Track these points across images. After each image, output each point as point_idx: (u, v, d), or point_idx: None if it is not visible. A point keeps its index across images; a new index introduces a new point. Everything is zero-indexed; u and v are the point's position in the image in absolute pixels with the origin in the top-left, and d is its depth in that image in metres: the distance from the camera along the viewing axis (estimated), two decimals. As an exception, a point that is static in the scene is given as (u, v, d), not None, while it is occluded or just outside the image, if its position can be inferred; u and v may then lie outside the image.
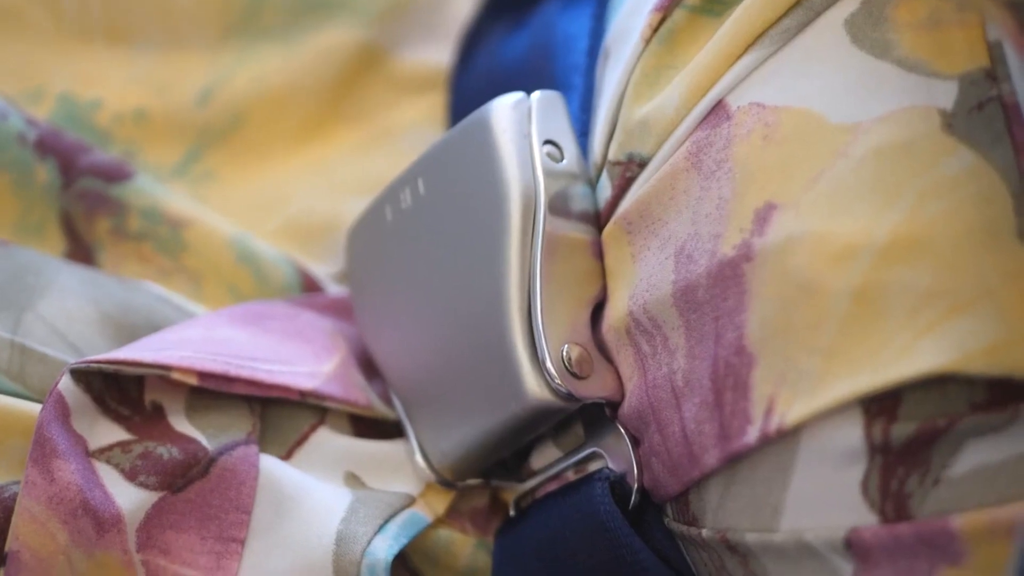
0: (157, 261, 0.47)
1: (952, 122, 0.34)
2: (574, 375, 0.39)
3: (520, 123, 0.41)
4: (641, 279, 0.39)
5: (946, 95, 0.34)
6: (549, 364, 0.39)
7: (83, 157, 0.48)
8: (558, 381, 0.39)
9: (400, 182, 0.44)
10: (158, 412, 0.41)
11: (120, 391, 0.41)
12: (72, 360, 0.41)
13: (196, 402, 0.42)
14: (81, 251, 0.47)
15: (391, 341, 0.44)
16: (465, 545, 0.42)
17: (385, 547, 0.40)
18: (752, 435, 0.35)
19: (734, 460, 0.35)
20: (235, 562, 0.39)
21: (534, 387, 0.39)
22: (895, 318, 0.33)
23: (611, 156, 0.40)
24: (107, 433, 0.40)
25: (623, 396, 0.40)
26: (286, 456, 0.42)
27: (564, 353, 0.39)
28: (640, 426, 0.39)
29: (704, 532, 0.37)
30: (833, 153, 0.35)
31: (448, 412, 0.41)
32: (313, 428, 0.43)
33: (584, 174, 0.41)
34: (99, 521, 0.39)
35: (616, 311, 0.40)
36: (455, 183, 0.41)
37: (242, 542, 0.40)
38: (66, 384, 0.40)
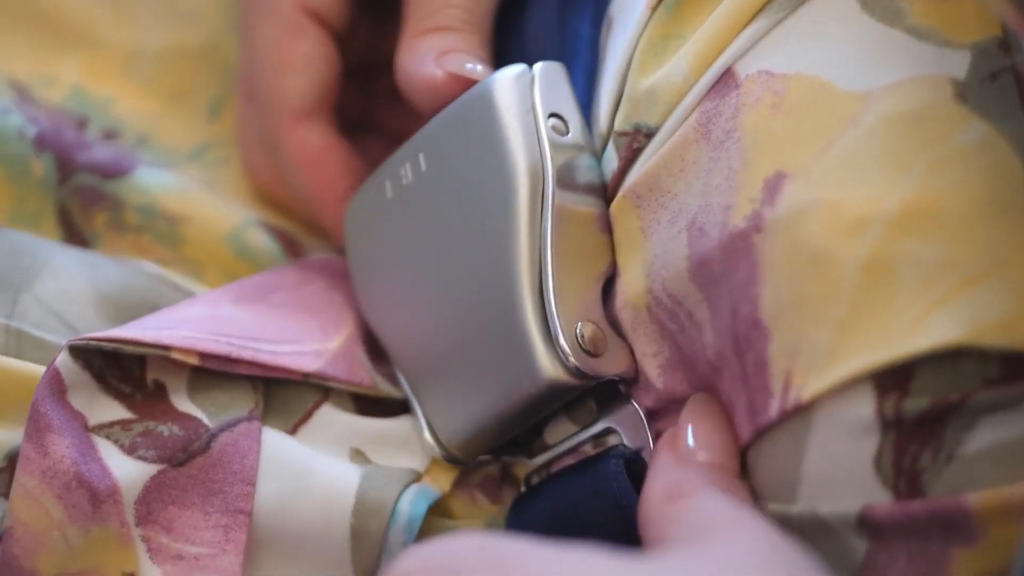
0: (156, 252, 0.47)
1: (964, 92, 0.34)
2: (588, 353, 0.39)
3: (523, 97, 0.40)
4: (656, 255, 0.38)
5: (958, 64, 0.34)
6: (563, 342, 0.38)
7: (81, 153, 0.47)
8: (572, 360, 0.38)
9: (400, 157, 0.43)
10: (160, 390, 0.41)
11: (121, 369, 0.41)
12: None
13: (198, 380, 0.41)
14: (78, 242, 0.47)
15: (395, 319, 0.43)
16: (476, 523, 0.42)
17: (408, 507, 0.40)
18: (773, 410, 0.34)
19: (760, 435, 0.35)
20: (243, 534, 0.39)
21: (548, 366, 0.38)
22: (907, 290, 0.32)
23: (617, 127, 0.40)
24: (107, 410, 0.40)
25: (636, 373, 0.39)
26: (291, 432, 0.42)
27: (577, 331, 0.39)
28: (674, 406, 0.38)
29: None
30: (844, 121, 0.34)
31: (458, 390, 0.41)
32: (317, 405, 0.42)
33: (589, 146, 0.41)
34: (94, 493, 0.38)
35: (632, 288, 0.39)
36: (459, 159, 0.41)
37: (248, 514, 0.39)
38: (63, 360, 0.40)
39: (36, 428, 0.39)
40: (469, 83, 0.42)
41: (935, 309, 0.32)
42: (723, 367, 0.36)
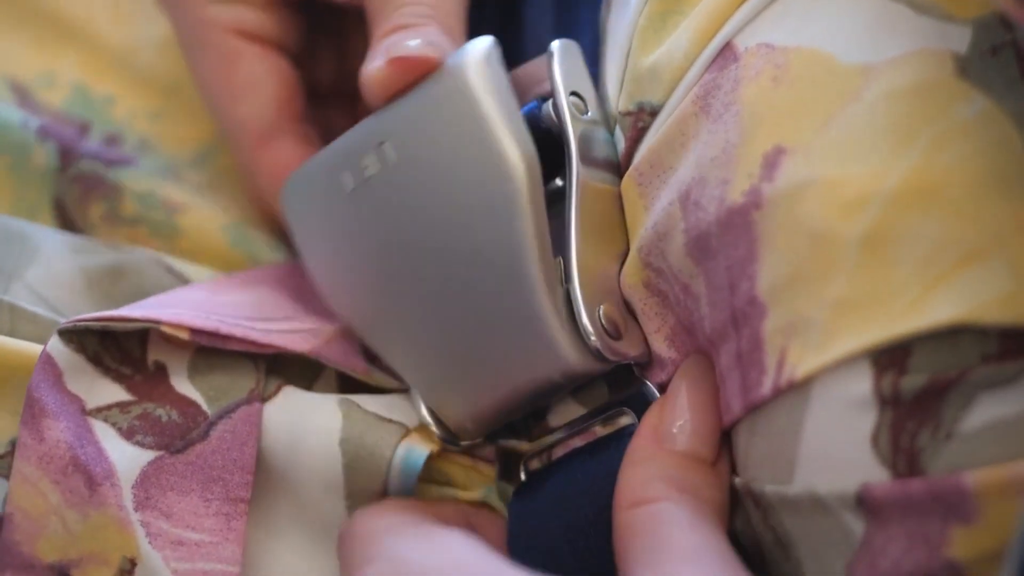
0: (151, 244, 0.47)
1: (965, 66, 0.33)
2: (609, 335, 0.38)
3: (498, 76, 0.39)
4: (647, 228, 0.38)
5: (960, 39, 0.34)
6: (587, 324, 0.38)
7: (84, 142, 0.47)
8: (596, 343, 0.38)
9: (359, 146, 0.41)
10: (160, 371, 0.41)
11: (121, 351, 0.41)
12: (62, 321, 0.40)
13: (199, 361, 0.41)
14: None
15: (371, 314, 0.42)
16: (475, 492, 0.42)
17: (404, 455, 0.40)
18: (766, 386, 0.34)
19: (753, 411, 0.35)
20: (243, 523, 0.39)
21: (571, 352, 0.38)
22: (905, 268, 0.32)
23: (621, 107, 0.39)
24: (106, 392, 0.40)
25: (650, 353, 0.39)
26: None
27: (600, 313, 0.38)
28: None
29: (736, 481, 0.36)
30: (844, 96, 0.34)
31: (460, 379, 0.40)
32: (308, 386, 0.42)
33: (604, 122, 0.40)
34: (90, 477, 0.38)
35: (630, 264, 0.39)
36: (437, 149, 0.39)
37: (248, 502, 0.39)
38: (54, 345, 0.39)
39: (31, 414, 0.39)
40: (419, 66, 0.40)
41: (935, 287, 0.32)
42: (719, 341, 0.36)
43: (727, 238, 0.35)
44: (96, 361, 0.40)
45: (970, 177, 0.32)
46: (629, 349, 0.38)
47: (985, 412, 0.31)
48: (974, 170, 0.32)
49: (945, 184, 0.32)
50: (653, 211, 0.38)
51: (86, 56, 0.50)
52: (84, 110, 0.49)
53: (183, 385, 0.40)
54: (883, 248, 0.32)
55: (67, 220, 0.47)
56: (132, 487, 0.39)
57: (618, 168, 0.40)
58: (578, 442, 0.40)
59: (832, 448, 0.33)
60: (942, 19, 0.34)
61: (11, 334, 0.41)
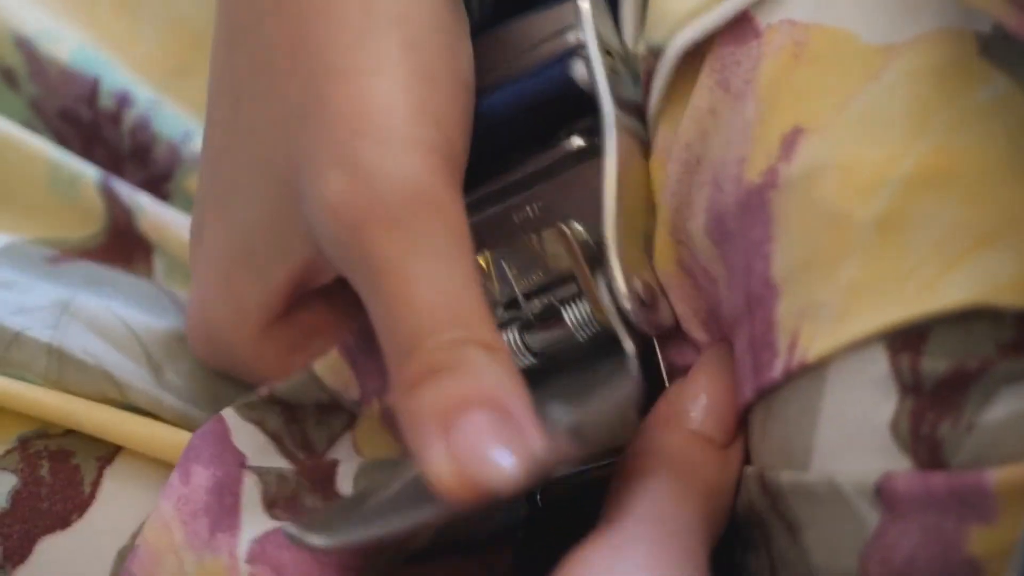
0: None
1: (989, 45, 0.33)
2: (644, 304, 0.37)
3: None
4: (680, 207, 0.37)
5: (984, 18, 0.33)
6: (623, 290, 0.36)
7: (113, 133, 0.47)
8: (631, 313, 0.36)
9: None
10: (331, 467, 0.39)
11: (304, 436, 0.39)
12: (110, 366, 0.40)
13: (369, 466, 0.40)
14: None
15: None
16: None
17: None
18: (777, 369, 0.34)
19: (765, 395, 0.35)
20: None
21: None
22: (920, 250, 0.32)
23: (637, 49, 0.39)
24: (274, 460, 0.39)
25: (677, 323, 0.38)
26: None
27: (637, 284, 0.37)
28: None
29: (748, 469, 0.36)
30: (865, 76, 0.34)
31: None
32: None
33: (628, 65, 0.39)
34: (215, 522, 0.38)
35: (662, 243, 0.38)
36: None
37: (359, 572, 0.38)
38: (229, 412, 0.39)
39: (186, 458, 0.38)
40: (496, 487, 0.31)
41: (950, 270, 0.31)
42: (736, 326, 0.36)
43: (745, 219, 0.35)
44: (276, 439, 0.39)
45: (987, 159, 0.32)
46: (663, 319, 0.38)
47: (1007, 405, 0.31)
48: (993, 152, 0.32)
49: (961, 167, 0.32)
50: (680, 187, 0.37)
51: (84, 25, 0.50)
52: (92, 65, 0.48)
53: (346, 485, 0.39)
54: (898, 231, 0.32)
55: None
56: (251, 540, 0.38)
57: (643, 113, 0.39)
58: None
59: (850, 433, 0.33)
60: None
61: (59, 381, 0.40)
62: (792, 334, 0.33)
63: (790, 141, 0.34)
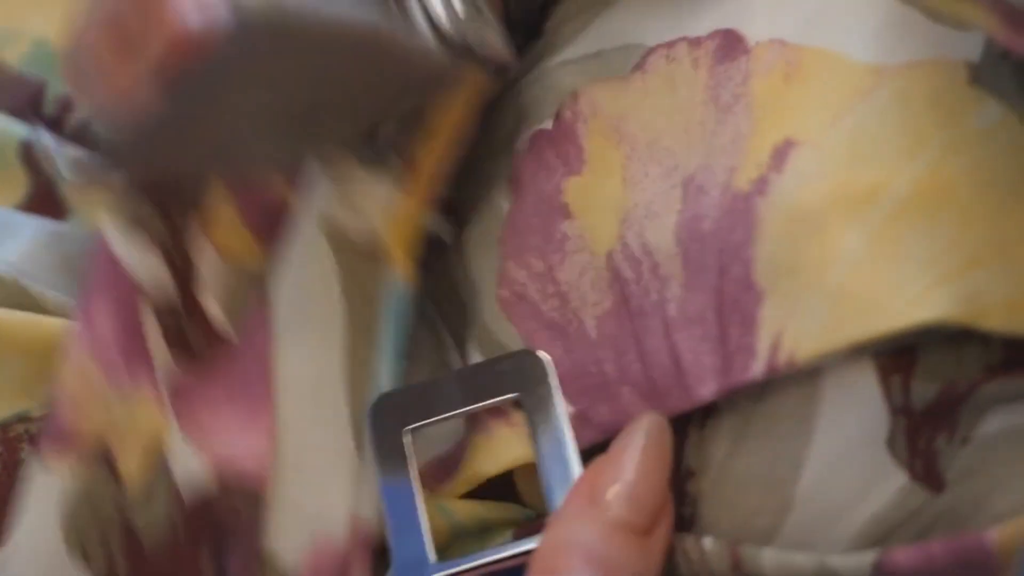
0: None
1: (978, 74, 0.34)
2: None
3: None
4: (638, 204, 0.37)
5: (973, 46, 0.34)
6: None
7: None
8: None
9: None
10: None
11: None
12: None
13: None
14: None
15: None
16: None
17: None
18: (757, 369, 0.34)
19: (734, 395, 0.34)
20: (269, 417, 0.38)
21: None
22: (910, 266, 0.32)
23: None
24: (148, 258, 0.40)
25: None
26: None
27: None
28: (610, 354, 0.37)
29: (708, 542, 0.35)
30: (856, 92, 0.34)
31: None
32: None
33: None
34: (128, 358, 0.38)
35: (599, 233, 0.37)
36: None
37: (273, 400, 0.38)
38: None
39: (84, 294, 0.39)
40: None
41: (939, 286, 0.32)
42: (688, 325, 0.35)
43: (724, 222, 0.35)
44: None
45: (982, 184, 0.32)
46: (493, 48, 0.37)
47: (1001, 421, 0.32)
48: (986, 177, 0.33)
49: (956, 190, 0.33)
50: (641, 187, 0.37)
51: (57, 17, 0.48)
52: (40, 67, 0.48)
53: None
54: (889, 245, 0.33)
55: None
56: (165, 373, 0.38)
57: None
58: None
59: (845, 449, 0.33)
60: (955, 27, 0.34)
61: None
62: (775, 336, 0.34)
63: (782, 152, 0.35)
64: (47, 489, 0.39)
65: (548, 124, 0.39)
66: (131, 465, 0.38)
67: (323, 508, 0.37)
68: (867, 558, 0.32)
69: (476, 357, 0.39)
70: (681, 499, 0.36)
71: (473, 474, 0.38)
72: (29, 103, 0.47)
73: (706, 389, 0.35)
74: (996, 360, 0.32)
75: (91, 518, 0.39)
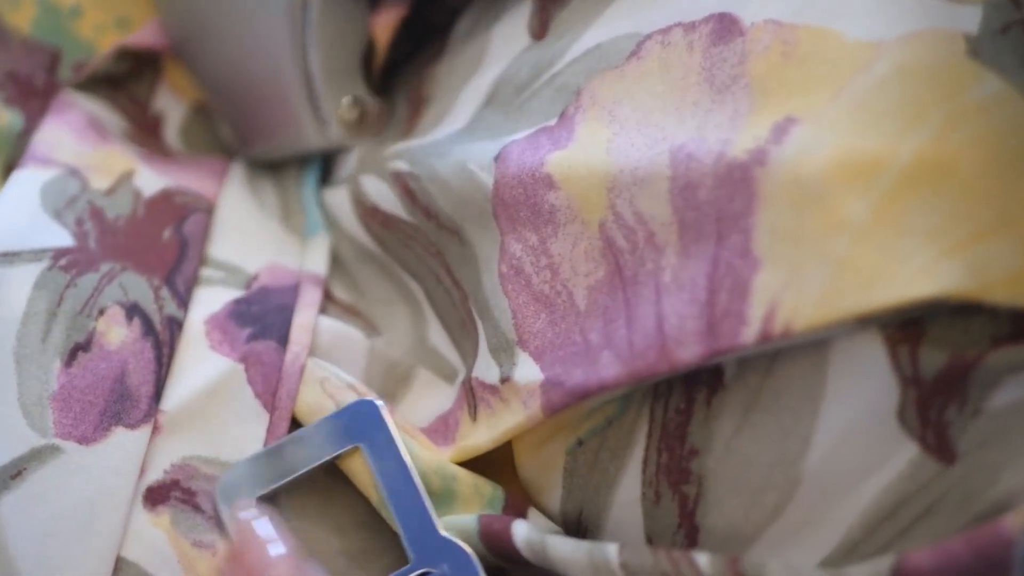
0: None
1: (977, 47, 0.33)
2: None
3: None
4: (622, 170, 0.37)
5: (970, 19, 0.34)
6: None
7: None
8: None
9: None
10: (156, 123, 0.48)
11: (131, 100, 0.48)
12: None
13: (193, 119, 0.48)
14: None
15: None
16: None
17: None
18: (748, 336, 0.33)
19: (719, 358, 0.34)
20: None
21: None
22: (915, 238, 0.32)
23: None
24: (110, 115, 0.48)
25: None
26: None
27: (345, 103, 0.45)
28: (597, 323, 0.37)
29: (702, 560, 0.34)
30: (854, 67, 0.34)
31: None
32: None
33: None
34: (97, 131, 0.46)
35: (589, 202, 0.37)
36: None
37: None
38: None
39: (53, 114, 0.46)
40: None
41: (944, 259, 0.32)
42: (678, 291, 0.35)
43: (722, 191, 0.35)
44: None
45: (984, 156, 0.32)
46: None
47: (1013, 392, 0.32)
48: (988, 149, 0.32)
49: (958, 162, 0.32)
50: (626, 155, 0.37)
51: None
52: (52, 35, 0.48)
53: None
54: (893, 216, 0.32)
55: None
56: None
57: None
58: None
59: (854, 421, 0.33)
60: (952, 0, 0.34)
61: None
62: (770, 304, 0.33)
63: (782, 128, 0.34)
64: (30, 178, 0.44)
65: (552, 121, 0.39)
66: (101, 183, 0.44)
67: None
68: (883, 565, 0.32)
69: (480, 330, 0.40)
70: (685, 478, 0.36)
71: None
72: (45, 71, 0.47)
73: (687, 352, 0.34)
74: (1004, 331, 0.32)
75: (63, 197, 0.43)
